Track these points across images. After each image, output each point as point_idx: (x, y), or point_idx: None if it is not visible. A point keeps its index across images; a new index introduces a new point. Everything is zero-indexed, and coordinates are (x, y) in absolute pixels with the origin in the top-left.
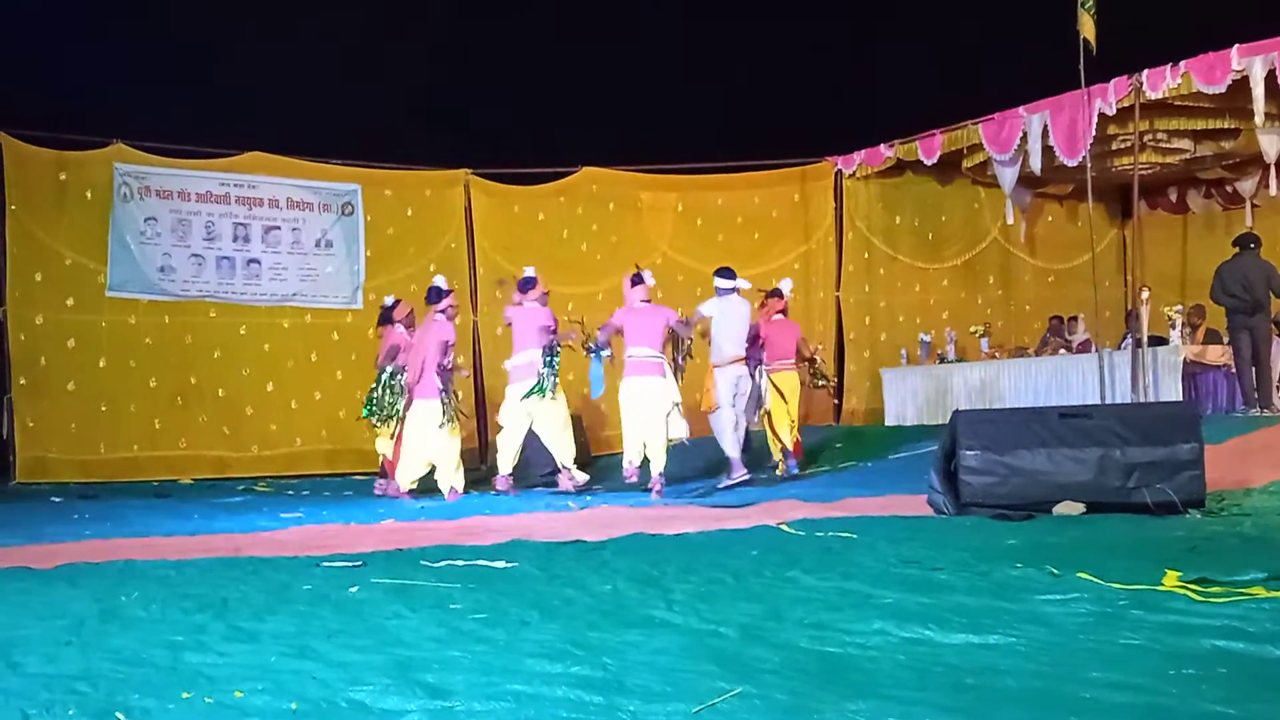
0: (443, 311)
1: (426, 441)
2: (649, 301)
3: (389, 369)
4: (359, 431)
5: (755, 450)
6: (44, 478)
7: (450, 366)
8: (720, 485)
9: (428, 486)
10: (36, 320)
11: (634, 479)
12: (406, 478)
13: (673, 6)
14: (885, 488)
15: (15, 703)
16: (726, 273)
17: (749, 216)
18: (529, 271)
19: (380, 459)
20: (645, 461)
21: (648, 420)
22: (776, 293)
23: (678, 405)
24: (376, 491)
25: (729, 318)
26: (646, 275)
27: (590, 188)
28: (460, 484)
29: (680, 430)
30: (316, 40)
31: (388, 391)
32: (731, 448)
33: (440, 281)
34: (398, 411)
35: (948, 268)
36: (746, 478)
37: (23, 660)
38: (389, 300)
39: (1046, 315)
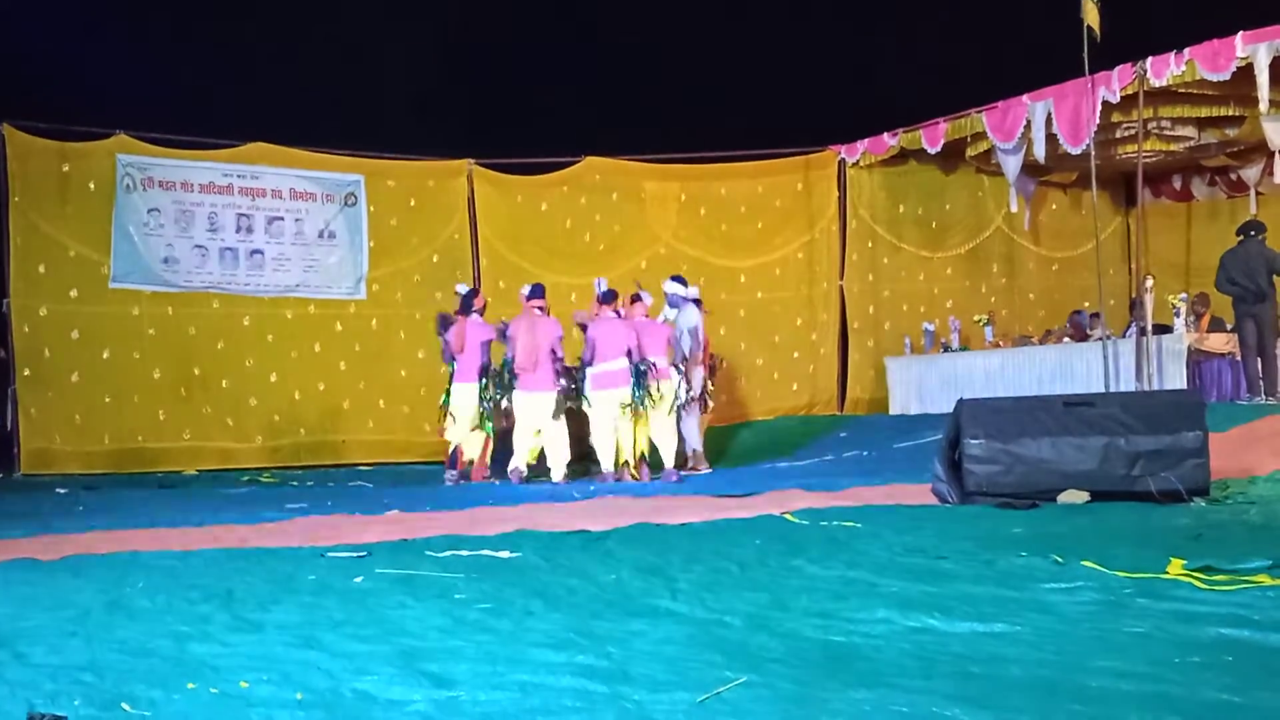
0: (541, 309)
1: (544, 431)
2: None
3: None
4: (362, 422)
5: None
6: (48, 469)
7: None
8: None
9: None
10: (40, 312)
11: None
12: (524, 462)
13: None
14: (889, 477)
15: (21, 693)
16: (681, 280)
17: (752, 206)
18: (601, 285)
19: (453, 448)
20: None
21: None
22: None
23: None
24: (448, 483)
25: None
26: (645, 295)
27: (593, 177)
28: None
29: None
30: (319, 30)
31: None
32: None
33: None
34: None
35: (951, 256)
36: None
37: (29, 651)
38: (462, 288)
39: (1050, 304)
